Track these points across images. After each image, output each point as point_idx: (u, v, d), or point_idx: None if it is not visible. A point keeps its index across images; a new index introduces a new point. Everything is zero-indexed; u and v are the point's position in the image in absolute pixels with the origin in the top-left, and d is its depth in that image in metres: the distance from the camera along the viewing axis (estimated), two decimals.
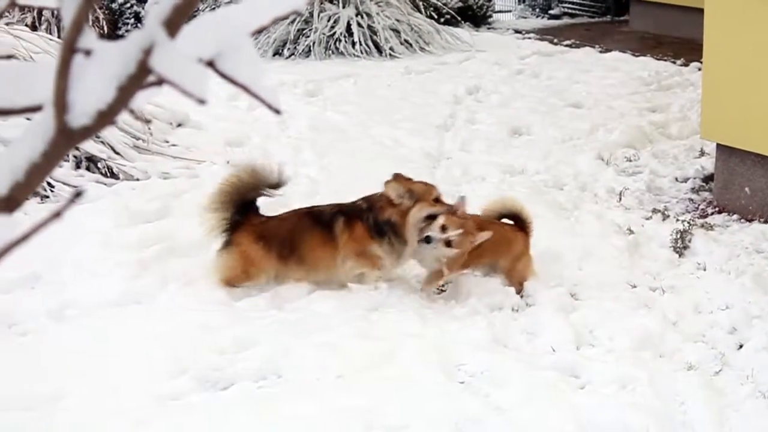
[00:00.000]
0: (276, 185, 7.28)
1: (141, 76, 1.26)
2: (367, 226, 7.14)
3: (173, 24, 1.26)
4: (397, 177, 7.25)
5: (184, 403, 5.61)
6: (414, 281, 7.39)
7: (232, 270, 7.12)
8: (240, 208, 7.12)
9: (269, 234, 7.17)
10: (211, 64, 1.29)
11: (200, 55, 1.28)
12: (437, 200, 7.13)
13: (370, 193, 7.30)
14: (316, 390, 5.68)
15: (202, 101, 1.26)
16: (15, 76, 1.35)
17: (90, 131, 1.27)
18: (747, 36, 8.89)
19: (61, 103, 1.24)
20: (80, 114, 1.25)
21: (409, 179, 7.27)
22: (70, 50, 1.25)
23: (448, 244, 6.97)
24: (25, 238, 1.19)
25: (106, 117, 1.26)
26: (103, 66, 1.26)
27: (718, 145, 9.57)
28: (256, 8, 1.35)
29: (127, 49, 1.26)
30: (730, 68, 9.15)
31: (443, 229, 6.97)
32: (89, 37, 1.27)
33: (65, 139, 1.26)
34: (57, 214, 1.20)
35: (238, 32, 1.32)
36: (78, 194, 1.22)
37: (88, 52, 1.27)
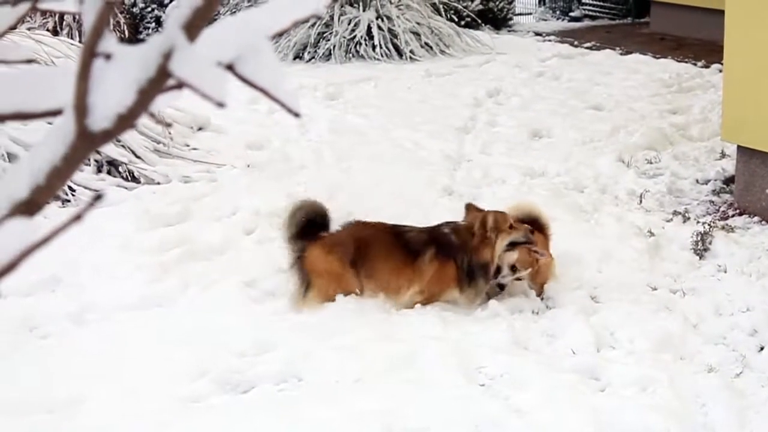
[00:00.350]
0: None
1: (161, 80, 1.27)
2: (459, 268, 6.99)
3: (193, 27, 1.26)
4: (471, 207, 7.22)
5: (205, 406, 5.63)
6: None
7: (326, 294, 6.95)
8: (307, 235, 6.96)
9: (341, 242, 7.01)
10: (230, 67, 1.30)
11: (220, 59, 1.29)
12: (512, 227, 7.04)
13: (453, 222, 7.19)
14: (336, 393, 5.69)
15: (221, 104, 1.26)
16: (36, 80, 1.36)
17: (110, 135, 1.28)
18: None
19: (81, 107, 1.25)
20: (101, 117, 1.26)
21: (482, 210, 7.23)
22: (90, 54, 1.26)
23: (517, 278, 7.08)
24: (45, 241, 1.20)
25: (126, 120, 1.27)
26: (123, 70, 1.26)
27: (739, 147, 9.53)
28: (276, 11, 1.36)
29: (147, 53, 1.26)
30: (751, 70, 9.11)
31: (513, 269, 7.02)
32: (109, 41, 1.27)
33: (86, 143, 1.27)
34: (77, 217, 1.21)
35: (258, 35, 1.32)
36: (98, 197, 1.23)
37: (108, 56, 1.28)
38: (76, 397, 5.63)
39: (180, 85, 1.29)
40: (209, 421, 5.44)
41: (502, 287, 7.13)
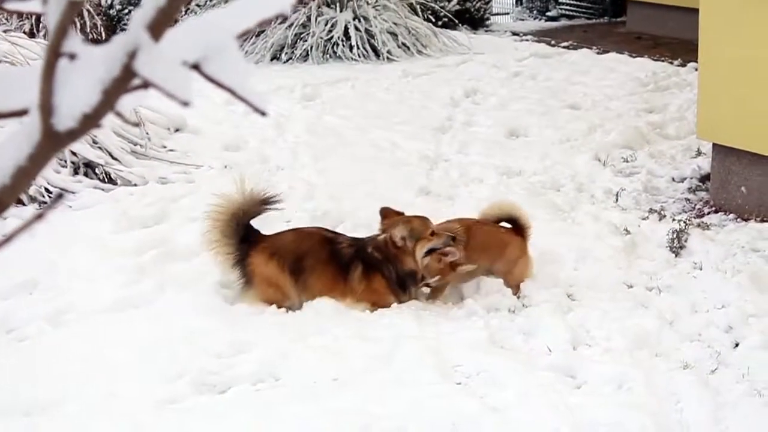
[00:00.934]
0: (268, 200, 7.14)
1: (126, 79, 1.27)
2: (388, 280, 7.03)
3: (157, 27, 1.27)
4: (387, 212, 7.21)
5: (182, 407, 5.62)
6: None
7: (265, 297, 6.99)
8: (242, 234, 6.97)
9: (282, 250, 7.03)
10: (196, 67, 1.30)
11: (185, 58, 1.29)
12: (433, 233, 7.01)
13: (374, 235, 7.15)
14: (313, 392, 5.69)
15: (186, 104, 1.27)
16: (2, 80, 1.36)
17: (76, 134, 1.28)
18: (742, 35, 8.90)
19: (46, 107, 1.26)
20: (66, 117, 1.26)
21: (401, 213, 7.22)
22: (55, 54, 1.26)
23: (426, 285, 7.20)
24: (8, 240, 1.21)
25: (91, 120, 1.27)
26: (88, 69, 1.27)
27: (715, 145, 9.58)
28: (242, 11, 1.37)
29: (112, 53, 1.27)
30: (726, 68, 9.16)
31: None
32: (74, 41, 1.28)
33: (51, 142, 1.28)
34: (39, 216, 1.21)
35: (224, 35, 1.33)
36: (59, 196, 1.24)
37: (72, 56, 1.28)
38: (54, 399, 5.61)
39: (145, 85, 1.29)
40: (186, 423, 5.44)
41: (430, 287, 7.20)
